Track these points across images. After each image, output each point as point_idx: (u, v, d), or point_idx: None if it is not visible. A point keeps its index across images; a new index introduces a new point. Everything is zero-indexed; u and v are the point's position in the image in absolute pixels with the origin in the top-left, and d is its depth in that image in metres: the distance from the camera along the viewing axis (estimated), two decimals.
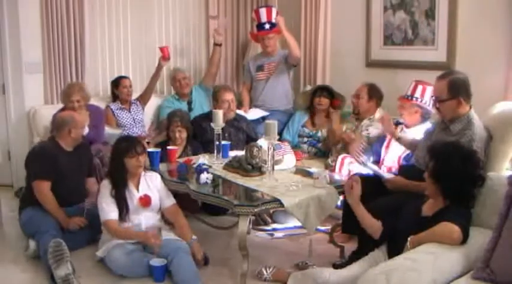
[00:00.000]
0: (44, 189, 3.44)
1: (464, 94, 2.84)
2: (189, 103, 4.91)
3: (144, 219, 3.29)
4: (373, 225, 2.75)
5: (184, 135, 4.10)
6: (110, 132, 4.53)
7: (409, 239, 2.43)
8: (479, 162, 2.57)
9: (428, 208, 2.59)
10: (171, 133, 4.11)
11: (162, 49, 4.88)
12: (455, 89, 2.83)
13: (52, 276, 2.96)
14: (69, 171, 3.55)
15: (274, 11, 4.78)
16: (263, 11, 4.75)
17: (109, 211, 3.19)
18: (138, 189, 3.32)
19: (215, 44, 5.11)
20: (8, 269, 3.22)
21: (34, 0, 4.64)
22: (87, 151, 3.85)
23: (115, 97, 4.83)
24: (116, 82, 4.81)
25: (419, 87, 3.46)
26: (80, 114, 3.88)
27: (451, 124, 2.87)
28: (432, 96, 2.94)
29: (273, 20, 4.73)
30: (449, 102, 2.84)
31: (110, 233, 3.21)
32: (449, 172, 2.45)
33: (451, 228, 2.34)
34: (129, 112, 4.78)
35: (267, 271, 3.14)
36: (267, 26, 4.72)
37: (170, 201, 3.42)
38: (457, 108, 2.84)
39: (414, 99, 3.46)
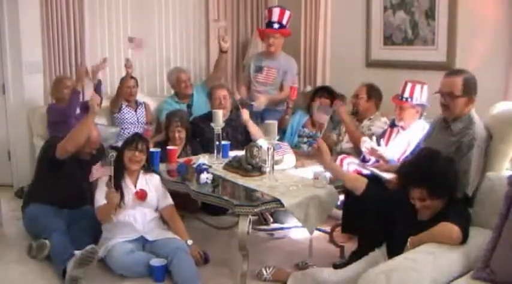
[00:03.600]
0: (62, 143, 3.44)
1: (475, 93, 2.85)
2: (189, 106, 4.87)
3: (140, 215, 3.28)
4: (357, 179, 2.70)
5: (183, 135, 4.10)
6: (109, 130, 4.54)
7: (409, 239, 2.43)
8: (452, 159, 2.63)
9: (424, 213, 2.58)
10: (171, 134, 4.11)
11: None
12: (469, 87, 2.83)
13: (64, 271, 2.96)
14: (75, 175, 3.56)
15: (287, 14, 4.74)
16: (276, 11, 4.74)
17: (101, 199, 3.21)
18: (135, 186, 3.34)
19: (221, 51, 4.97)
20: (9, 270, 3.21)
21: (34, 0, 4.64)
22: (100, 155, 3.79)
23: None
24: (121, 81, 4.82)
25: (409, 85, 3.49)
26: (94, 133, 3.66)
27: (453, 124, 2.87)
28: (438, 92, 2.91)
29: (284, 22, 4.71)
30: (462, 99, 2.82)
31: (101, 219, 3.23)
32: (435, 172, 2.49)
33: (451, 228, 2.35)
34: (135, 112, 4.79)
35: (267, 271, 3.14)
36: (276, 26, 4.71)
37: (167, 202, 3.43)
38: (466, 106, 2.84)
39: (409, 100, 3.47)
